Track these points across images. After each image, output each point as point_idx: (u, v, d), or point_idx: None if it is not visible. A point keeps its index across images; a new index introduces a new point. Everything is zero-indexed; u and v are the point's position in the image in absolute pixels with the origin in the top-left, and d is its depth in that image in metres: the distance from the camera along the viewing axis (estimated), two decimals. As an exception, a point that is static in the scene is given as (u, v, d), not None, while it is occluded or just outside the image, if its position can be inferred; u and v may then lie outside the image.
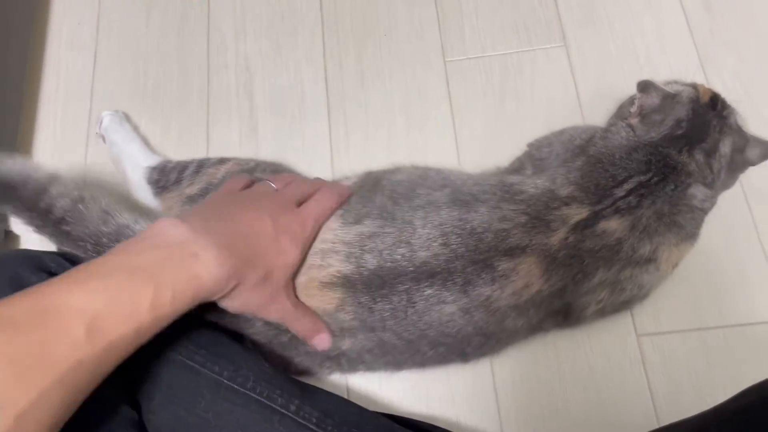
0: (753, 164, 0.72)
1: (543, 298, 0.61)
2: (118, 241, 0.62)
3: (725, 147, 0.69)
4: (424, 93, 0.88)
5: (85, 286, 0.43)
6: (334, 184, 0.70)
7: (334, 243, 0.61)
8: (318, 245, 0.62)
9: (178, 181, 0.75)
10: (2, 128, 0.82)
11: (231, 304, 0.55)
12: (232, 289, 0.52)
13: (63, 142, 0.88)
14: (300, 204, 0.63)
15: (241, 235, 0.55)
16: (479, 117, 0.86)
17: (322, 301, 0.61)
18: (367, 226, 0.62)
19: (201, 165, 0.77)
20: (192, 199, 0.73)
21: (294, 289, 0.60)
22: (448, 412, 0.72)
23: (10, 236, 0.79)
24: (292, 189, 0.65)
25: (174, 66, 0.92)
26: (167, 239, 0.49)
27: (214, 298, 0.52)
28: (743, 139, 0.71)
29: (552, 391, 0.72)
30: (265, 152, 0.86)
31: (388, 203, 0.65)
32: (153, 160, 0.80)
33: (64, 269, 0.56)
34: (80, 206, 0.64)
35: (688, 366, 0.72)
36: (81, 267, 0.46)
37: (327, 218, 0.63)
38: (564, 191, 0.64)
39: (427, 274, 0.59)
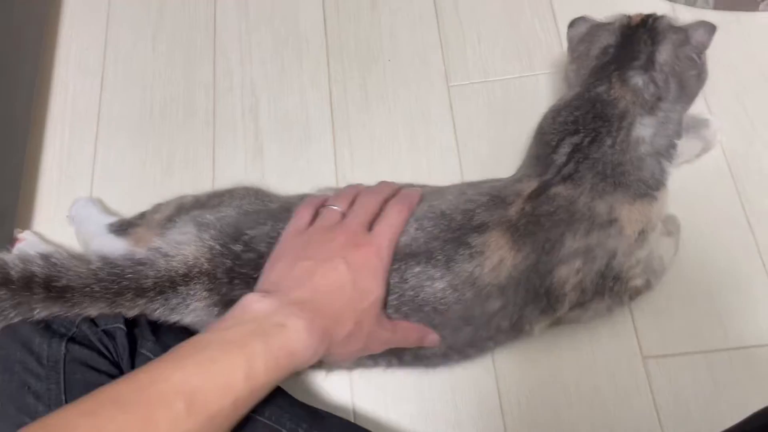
0: (705, 47, 0.70)
1: (520, 274, 0.62)
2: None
3: (663, 53, 0.67)
4: (428, 117, 0.89)
5: (180, 364, 0.45)
6: (401, 195, 0.67)
7: None
8: None
9: (142, 216, 0.75)
10: (10, 150, 0.83)
11: (334, 360, 0.57)
12: (327, 348, 0.53)
13: (70, 164, 0.89)
14: (370, 225, 0.62)
15: (321, 293, 0.55)
16: (483, 141, 0.87)
17: None
18: None
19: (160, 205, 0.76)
20: (162, 225, 0.70)
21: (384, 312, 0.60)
22: (455, 435, 0.72)
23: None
24: (359, 212, 0.63)
25: (180, 90, 0.93)
26: (253, 314, 0.50)
27: (313, 362, 0.52)
28: (681, 33, 0.69)
29: (558, 412, 0.72)
30: (271, 174, 0.87)
31: None
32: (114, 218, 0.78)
33: (71, 332, 0.57)
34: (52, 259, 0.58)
35: (694, 388, 0.71)
36: (176, 348, 0.47)
37: (400, 234, 0.62)
38: (519, 172, 0.69)
39: (411, 255, 0.61)
